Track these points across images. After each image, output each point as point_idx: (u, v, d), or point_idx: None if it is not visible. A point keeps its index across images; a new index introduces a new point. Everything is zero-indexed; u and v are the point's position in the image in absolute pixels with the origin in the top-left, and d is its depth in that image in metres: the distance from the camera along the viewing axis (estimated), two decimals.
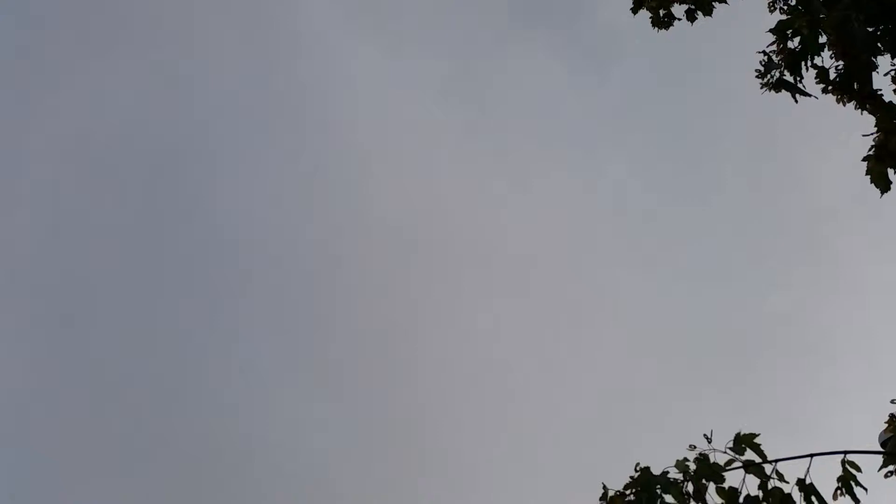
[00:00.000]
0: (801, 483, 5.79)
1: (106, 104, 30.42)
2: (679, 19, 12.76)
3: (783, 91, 7.86)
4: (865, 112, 7.40)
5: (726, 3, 12.80)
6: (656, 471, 5.40)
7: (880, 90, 7.37)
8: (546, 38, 31.61)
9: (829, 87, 7.26)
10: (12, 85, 30.21)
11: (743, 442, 5.57)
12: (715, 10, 12.38)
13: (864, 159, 7.13)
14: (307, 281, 30.96)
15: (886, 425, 6.23)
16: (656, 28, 12.46)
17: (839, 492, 5.87)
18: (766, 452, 5.63)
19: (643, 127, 31.49)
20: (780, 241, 28.53)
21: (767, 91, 7.84)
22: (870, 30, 7.18)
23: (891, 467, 6.03)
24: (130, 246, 30.08)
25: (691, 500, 5.43)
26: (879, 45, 7.23)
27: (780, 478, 5.81)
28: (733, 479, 5.64)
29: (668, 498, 5.35)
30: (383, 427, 27.61)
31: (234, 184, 31.39)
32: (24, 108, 30.26)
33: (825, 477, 5.96)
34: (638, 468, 5.38)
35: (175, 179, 31.02)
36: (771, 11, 8.55)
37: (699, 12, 12.68)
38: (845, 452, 5.88)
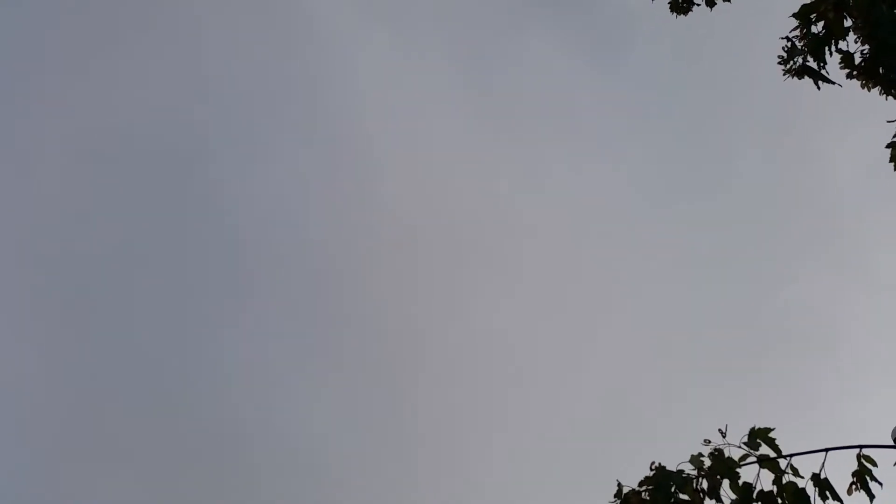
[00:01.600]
0: (815, 478, 5.68)
1: (113, 101, 30.45)
2: (698, 4, 12.51)
3: (806, 77, 7.65)
4: (890, 98, 7.20)
5: None
6: (672, 467, 5.30)
7: None
8: (559, 25, 31.27)
9: (854, 72, 7.06)
10: (22, 82, 30.28)
11: (758, 436, 5.45)
12: None
13: (888, 146, 6.92)
14: (313, 278, 31.00)
15: None
16: (675, 13, 12.22)
17: (854, 486, 5.76)
18: (780, 447, 5.51)
19: (657, 117, 31.16)
20: (793, 232, 28.23)
21: (790, 78, 7.64)
22: None
23: None
24: (138, 243, 30.22)
25: (705, 497, 5.32)
26: None
27: (795, 472, 5.70)
28: (748, 474, 5.53)
29: (683, 495, 5.24)
30: (389, 425, 27.67)
31: (241, 180, 31.40)
32: (34, 107, 30.37)
33: (840, 471, 5.85)
34: (654, 466, 5.27)
35: (182, 176, 31.05)
36: None
37: None
38: (861, 447, 5.76)
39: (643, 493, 5.21)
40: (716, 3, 12.47)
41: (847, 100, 8.23)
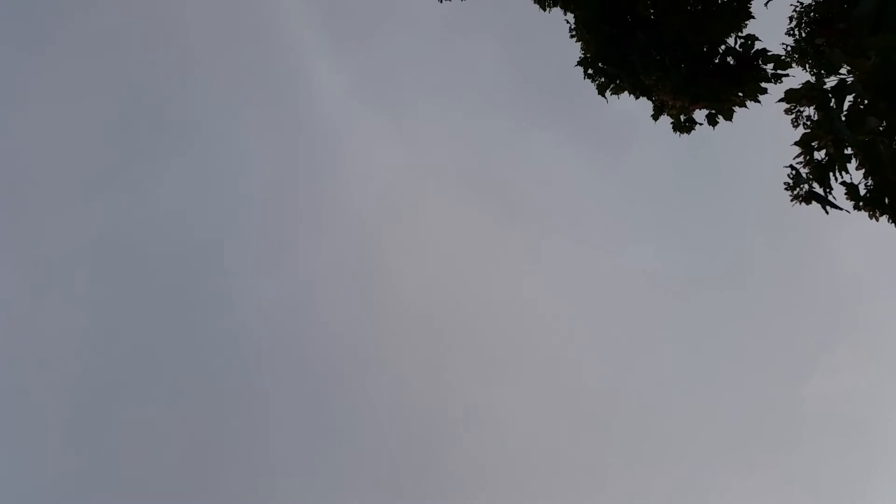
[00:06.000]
0: None
1: (130, 207, 31.28)
2: (700, 124, 13.00)
3: (813, 203, 7.88)
4: None
5: (746, 107, 13.05)
6: None
7: None
8: (563, 129, 32.17)
9: (860, 204, 7.26)
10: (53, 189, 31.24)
11: None
12: (735, 115, 12.60)
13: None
14: (327, 380, 30.81)
15: None
16: (678, 132, 12.69)
17: None
18: None
19: (664, 208, 31.53)
20: (814, 321, 27.94)
21: (798, 204, 7.88)
22: None
23: None
24: (167, 329, 30.31)
25: None
26: None
27: None
28: None
29: None
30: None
31: (263, 272, 31.80)
32: (66, 206, 31.20)
33: None
34: None
35: (208, 271, 31.55)
36: (795, 126, 8.66)
37: (720, 116, 12.92)
38: None
39: None
40: (718, 122, 12.97)
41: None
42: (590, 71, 13.67)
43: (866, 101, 7.32)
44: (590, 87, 14.50)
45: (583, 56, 13.81)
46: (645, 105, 13.80)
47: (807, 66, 12.20)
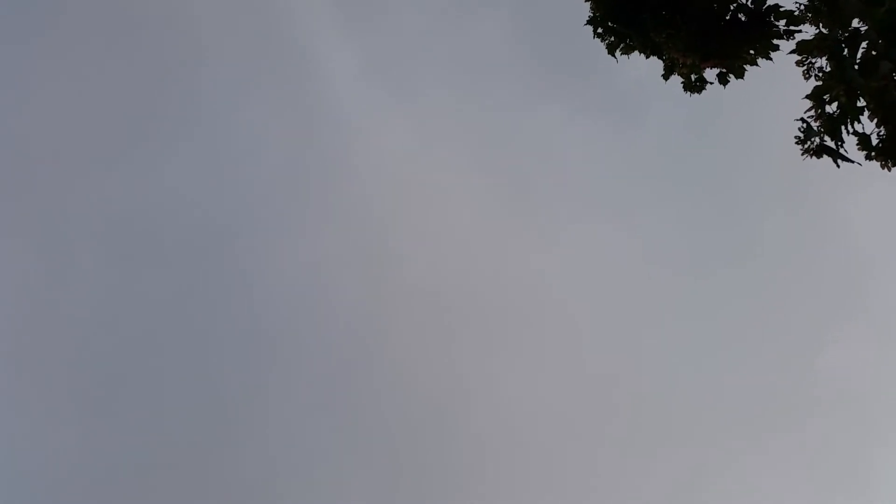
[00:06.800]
0: None
1: (143, 187, 31.43)
2: (711, 83, 12.83)
3: (824, 157, 7.79)
4: None
5: (757, 65, 12.84)
6: None
7: None
8: (574, 94, 31.89)
9: (872, 154, 7.17)
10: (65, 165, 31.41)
11: None
12: (746, 73, 12.42)
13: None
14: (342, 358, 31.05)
15: None
16: (688, 93, 12.53)
17: None
18: None
19: (675, 182, 31.33)
20: (825, 295, 27.82)
21: (809, 157, 7.79)
22: None
23: None
24: (179, 311, 30.63)
25: None
26: None
27: None
28: None
29: None
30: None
31: (276, 253, 31.95)
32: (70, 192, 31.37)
33: None
34: None
35: (220, 253, 31.76)
36: (806, 79, 8.55)
37: (731, 75, 12.74)
38: None
39: None
40: (728, 81, 12.79)
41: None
42: (599, 30, 13.48)
43: (879, 47, 7.20)
44: (599, 52, 14.30)
45: (592, 15, 13.60)
46: (655, 72, 13.60)
47: (820, 24, 11.98)
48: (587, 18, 13.59)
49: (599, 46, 14.33)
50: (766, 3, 12.06)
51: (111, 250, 30.99)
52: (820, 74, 7.87)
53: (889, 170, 7.13)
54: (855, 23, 8.31)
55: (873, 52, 7.38)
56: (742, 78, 12.06)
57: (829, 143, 7.93)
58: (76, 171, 31.17)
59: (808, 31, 12.38)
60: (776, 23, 12.14)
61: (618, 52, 13.23)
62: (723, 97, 11.98)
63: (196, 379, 29.99)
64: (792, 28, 11.83)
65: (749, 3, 12.14)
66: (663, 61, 12.62)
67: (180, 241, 31.48)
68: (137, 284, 30.65)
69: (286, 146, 32.45)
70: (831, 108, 7.98)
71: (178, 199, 31.46)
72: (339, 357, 30.76)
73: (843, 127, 7.85)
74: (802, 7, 12.36)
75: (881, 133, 7.16)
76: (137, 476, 27.72)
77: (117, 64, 30.88)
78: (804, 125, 7.92)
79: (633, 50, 13.04)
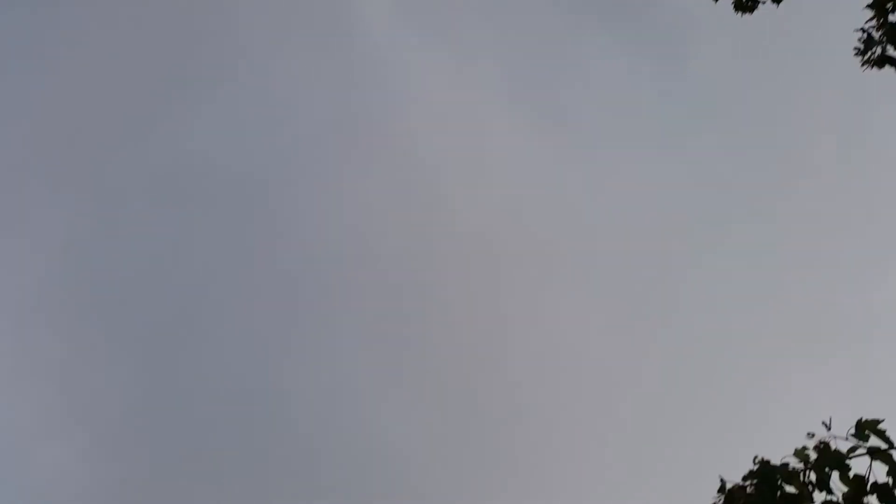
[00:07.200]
0: None
1: (193, 139, 31.94)
2: (763, 2, 12.40)
3: (886, 67, 7.55)
4: None
5: None
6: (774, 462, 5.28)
7: None
8: (618, 27, 31.19)
9: None
10: (107, 124, 32.08)
11: (866, 428, 5.38)
12: None
13: None
14: (394, 287, 31.55)
15: None
16: (739, 13, 12.14)
17: None
18: (892, 438, 5.41)
19: (726, 115, 30.61)
20: (879, 227, 27.18)
21: (869, 68, 7.55)
22: None
23: None
24: (231, 259, 31.51)
25: (814, 489, 5.30)
26: None
27: None
28: (857, 467, 5.46)
29: (790, 488, 5.23)
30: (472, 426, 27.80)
31: (322, 201, 32.38)
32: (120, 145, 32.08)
33: None
34: (757, 460, 5.28)
35: (266, 203, 32.32)
36: None
37: None
38: None
39: (748, 488, 5.20)
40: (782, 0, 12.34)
41: None
42: None
43: None
44: None
45: None
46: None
47: None
48: None
49: None
50: None
51: (161, 200, 31.74)
52: None
53: None
54: None
55: None
56: None
57: (893, 53, 7.69)
58: (126, 123, 31.81)
59: None
60: None
61: None
62: (776, 14, 11.59)
63: (242, 324, 30.86)
64: None
65: None
66: None
67: (226, 187, 32.06)
68: (192, 232, 31.44)
69: (322, 85, 32.48)
70: (895, 18, 7.71)
71: (223, 147, 31.94)
72: (385, 301, 31.30)
73: None
74: None
75: None
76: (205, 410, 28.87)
77: (148, 10, 31.11)
78: (864, 35, 7.65)
79: None
